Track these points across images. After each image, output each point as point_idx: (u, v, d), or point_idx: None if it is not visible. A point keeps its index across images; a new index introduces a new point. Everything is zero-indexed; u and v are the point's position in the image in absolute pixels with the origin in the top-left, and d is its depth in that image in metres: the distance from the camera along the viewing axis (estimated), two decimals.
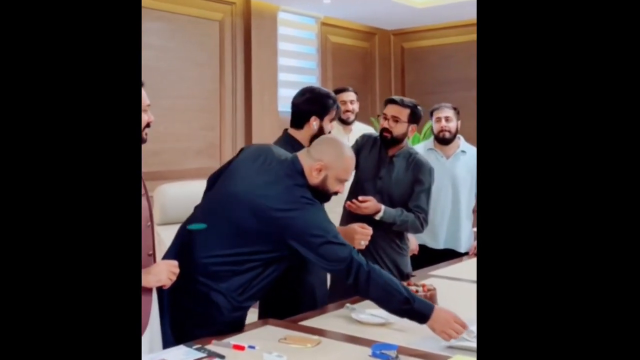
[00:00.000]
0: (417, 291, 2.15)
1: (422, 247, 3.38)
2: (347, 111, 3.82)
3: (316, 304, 2.28)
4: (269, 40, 4.43)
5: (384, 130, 2.59)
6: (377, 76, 5.70)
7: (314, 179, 1.91)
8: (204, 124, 4.13)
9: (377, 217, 2.42)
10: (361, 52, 5.55)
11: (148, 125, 1.70)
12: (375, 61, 5.69)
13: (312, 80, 5.00)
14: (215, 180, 2.06)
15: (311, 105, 2.28)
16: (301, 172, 1.90)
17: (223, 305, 1.83)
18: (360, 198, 2.43)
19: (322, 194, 1.96)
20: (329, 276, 2.49)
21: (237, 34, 4.28)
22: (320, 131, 2.30)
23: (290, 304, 2.22)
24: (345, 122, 3.93)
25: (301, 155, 1.95)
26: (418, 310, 1.78)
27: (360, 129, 4.10)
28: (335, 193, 1.98)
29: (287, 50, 4.73)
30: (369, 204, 2.43)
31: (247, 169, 1.94)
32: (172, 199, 2.68)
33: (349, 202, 2.42)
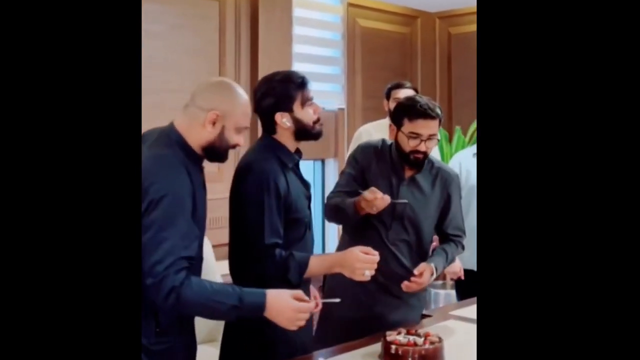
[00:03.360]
0: (415, 343, 1.75)
1: (469, 272, 3.00)
2: None
3: (294, 351, 1.97)
4: (281, 24, 4.08)
5: (415, 152, 2.21)
6: (419, 67, 5.26)
7: (208, 134, 1.73)
8: None
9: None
10: (399, 39, 5.13)
11: (233, 146, 1.75)
12: (417, 49, 5.26)
13: (337, 71, 4.62)
14: None
15: (269, 99, 2.00)
16: (179, 140, 1.72)
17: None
18: (416, 272, 2.13)
19: (219, 152, 1.77)
20: (316, 315, 2.22)
21: (241, 16, 3.93)
22: (299, 124, 2.01)
23: (259, 351, 1.94)
24: None
25: (179, 117, 1.77)
26: (249, 309, 1.67)
27: None
28: (234, 146, 1.79)
29: (304, 36, 4.35)
30: (426, 274, 2.13)
31: None
32: None
33: (406, 283, 2.14)
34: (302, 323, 1.71)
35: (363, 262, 1.87)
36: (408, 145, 2.19)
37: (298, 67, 4.27)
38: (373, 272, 1.90)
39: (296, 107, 1.98)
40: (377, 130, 3.76)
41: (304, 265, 1.91)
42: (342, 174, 2.38)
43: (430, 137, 2.19)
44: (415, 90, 3.70)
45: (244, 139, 1.80)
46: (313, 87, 4.64)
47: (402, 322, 2.16)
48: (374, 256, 1.90)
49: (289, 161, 2.02)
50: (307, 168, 4.69)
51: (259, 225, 1.91)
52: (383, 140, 2.36)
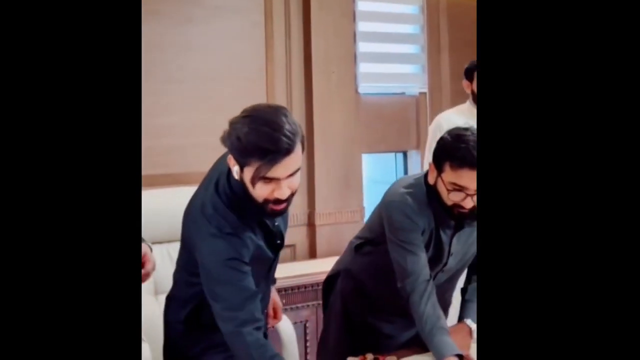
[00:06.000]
0: None
1: None
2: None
3: None
4: None
5: (457, 206, 1.95)
6: None
7: None
8: None
9: None
10: None
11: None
12: None
13: (416, 50, 4.21)
14: None
15: (228, 137, 1.62)
16: None
17: None
18: None
19: None
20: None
21: None
22: (245, 189, 1.65)
23: None
24: None
25: None
26: None
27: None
28: None
29: (371, 12, 4.00)
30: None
31: None
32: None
33: None
34: None
35: None
36: (449, 199, 1.93)
37: (364, 47, 3.94)
38: None
39: (247, 171, 1.60)
40: (460, 117, 3.33)
41: None
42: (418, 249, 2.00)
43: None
44: None
45: None
46: (385, 70, 4.13)
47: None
48: None
49: (252, 217, 1.70)
50: (388, 161, 4.35)
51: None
52: (425, 183, 2.03)
